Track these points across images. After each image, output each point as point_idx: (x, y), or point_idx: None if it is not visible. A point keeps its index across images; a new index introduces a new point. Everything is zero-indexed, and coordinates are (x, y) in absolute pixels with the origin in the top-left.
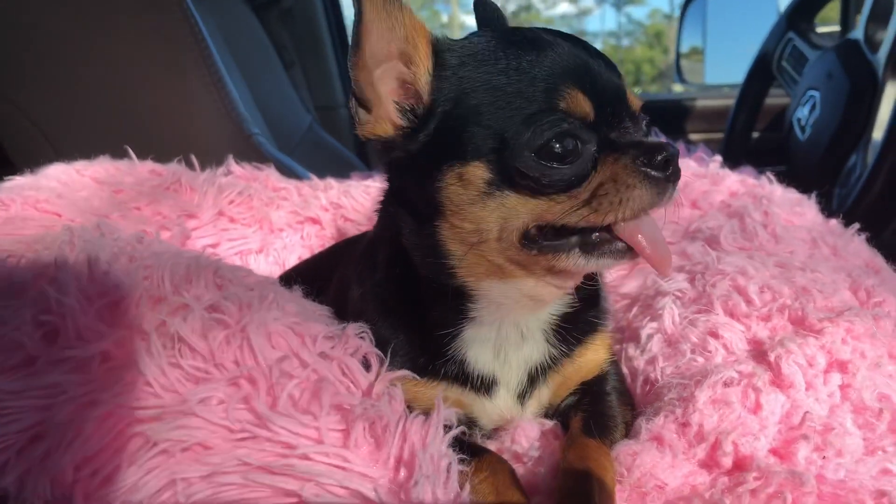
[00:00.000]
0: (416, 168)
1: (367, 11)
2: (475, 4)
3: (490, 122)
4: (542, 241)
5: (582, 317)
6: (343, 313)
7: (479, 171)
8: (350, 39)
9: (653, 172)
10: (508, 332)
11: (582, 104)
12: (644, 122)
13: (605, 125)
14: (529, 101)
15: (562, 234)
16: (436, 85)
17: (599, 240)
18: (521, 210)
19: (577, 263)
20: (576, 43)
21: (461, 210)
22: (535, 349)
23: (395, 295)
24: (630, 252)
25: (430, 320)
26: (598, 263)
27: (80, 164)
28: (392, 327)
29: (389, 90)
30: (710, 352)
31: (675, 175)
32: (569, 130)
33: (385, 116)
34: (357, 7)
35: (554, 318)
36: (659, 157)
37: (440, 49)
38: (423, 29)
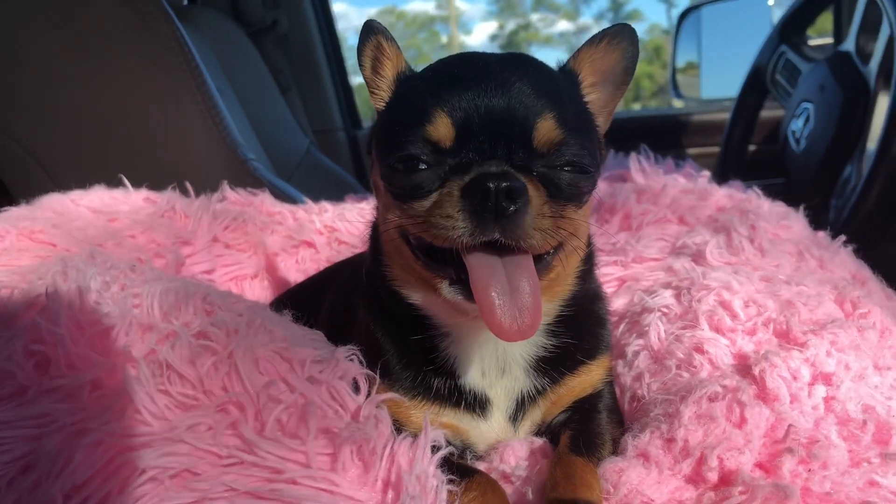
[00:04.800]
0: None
1: (361, 44)
2: None
3: (389, 133)
4: (425, 256)
5: (571, 353)
6: (337, 327)
7: (377, 172)
8: None
9: (478, 206)
10: (489, 361)
11: (441, 130)
12: (567, 156)
13: (474, 151)
14: (407, 121)
15: (437, 256)
16: (388, 101)
17: (458, 277)
18: (390, 213)
19: (447, 293)
20: (496, 72)
21: (380, 204)
22: (517, 383)
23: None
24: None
25: (404, 324)
26: (455, 300)
27: (76, 194)
28: (384, 328)
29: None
30: (695, 367)
31: (499, 212)
32: (413, 155)
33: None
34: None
35: (532, 357)
36: (480, 192)
37: (402, 75)
38: (398, 60)
